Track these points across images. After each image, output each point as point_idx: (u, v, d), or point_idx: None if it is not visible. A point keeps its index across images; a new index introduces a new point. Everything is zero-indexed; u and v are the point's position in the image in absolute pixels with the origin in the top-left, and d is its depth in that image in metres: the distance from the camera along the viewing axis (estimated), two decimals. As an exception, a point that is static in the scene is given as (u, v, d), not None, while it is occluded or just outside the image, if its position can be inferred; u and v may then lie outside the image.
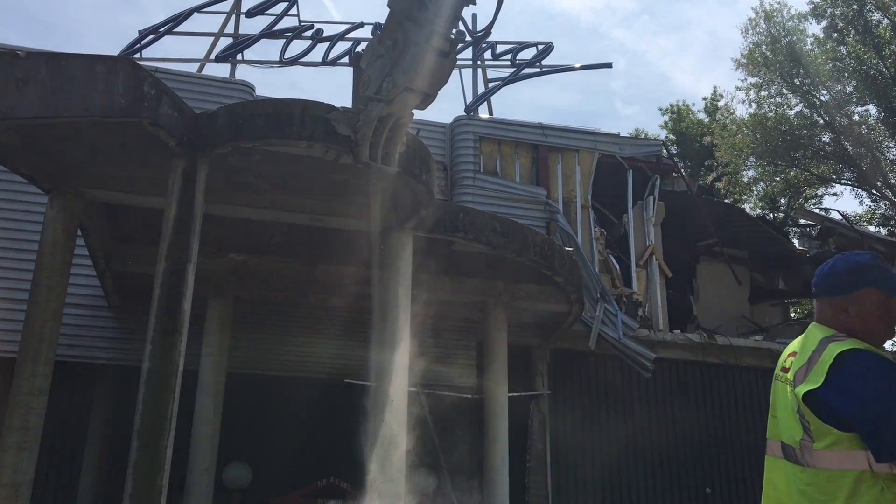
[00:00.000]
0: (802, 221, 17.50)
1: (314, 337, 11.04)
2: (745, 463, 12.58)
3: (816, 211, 16.81)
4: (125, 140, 7.24)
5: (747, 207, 23.80)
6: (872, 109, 22.10)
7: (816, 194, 24.45)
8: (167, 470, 6.16)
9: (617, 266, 13.10)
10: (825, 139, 22.26)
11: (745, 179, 24.74)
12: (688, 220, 14.07)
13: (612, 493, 11.98)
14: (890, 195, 21.84)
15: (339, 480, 10.07)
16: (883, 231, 21.71)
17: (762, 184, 24.51)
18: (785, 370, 2.64)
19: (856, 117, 22.17)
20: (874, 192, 22.39)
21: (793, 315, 17.71)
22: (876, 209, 23.06)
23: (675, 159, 19.29)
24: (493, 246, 9.15)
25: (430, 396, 11.12)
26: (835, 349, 2.43)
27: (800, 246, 15.09)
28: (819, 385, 2.39)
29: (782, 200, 24.50)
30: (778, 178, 23.58)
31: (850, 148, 21.76)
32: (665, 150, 15.02)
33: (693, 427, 12.58)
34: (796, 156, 21.86)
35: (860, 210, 24.37)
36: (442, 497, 10.51)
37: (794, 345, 2.69)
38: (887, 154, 22.36)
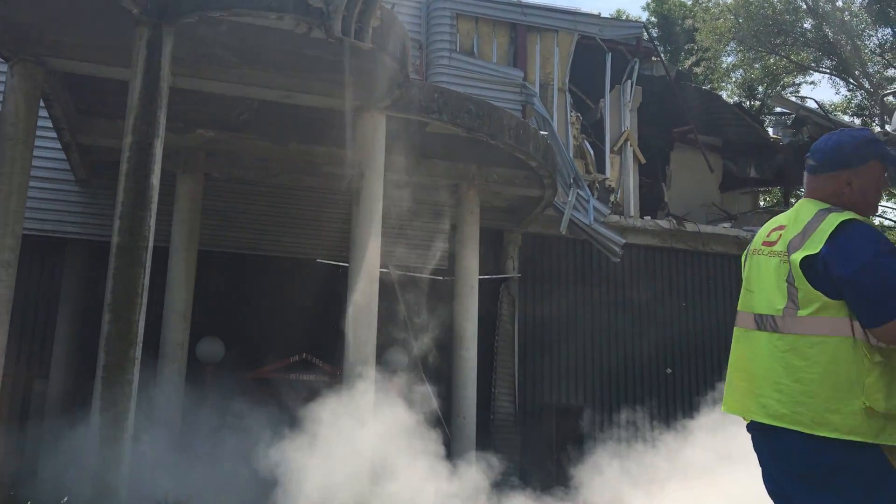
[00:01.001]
0: (778, 110, 17.43)
1: (286, 216, 11.00)
2: (706, 345, 12.99)
3: (793, 99, 16.73)
4: (86, 5, 6.92)
5: (725, 94, 23.62)
6: (857, -4, 21.70)
7: (794, 82, 24.28)
8: (139, 343, 6.23)
9: (591, 151, 13.05)
10: (807, 25, 21.92)
11: (725, 65, 24.45)
12: (664, 105, 13.95)
13: (577, 372, 12.38)
14: (867, 85, 21.76)
15: (311, 356, 10.27)
16: (857, 121, 21.75)
17: (741, 70, 24.25)
18: (769, 244, 2.66)
19: (839, 3, 21.77)
20: (852, 81, 22.28)
21: (762, 203, 17.91)
22: (852, 99, 23.02)
23: (656, 43, 18.93)
24: (468, 128, 9.04)
25: (402, 277, 11.24)
26: (835, 219, 2.47)
27: (774, 134, 15.07)
28: (818, 250, 2.43)
29: (760, 88, 24.30)
30: (757, 65, 23.31)
31: (830, 35, 21.47)
32: (646, 33, 14.72)
33: (658, 311, 12.89)
34: (777, 42, 21.55)
35: (836, 99, 24.39)
36: (412, 374, 10.79)
37: (781, 219, 2.72)
38: (868, 42, 22.13)
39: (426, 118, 8.70)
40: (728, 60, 24.28)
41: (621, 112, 13.31)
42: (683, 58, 24.29)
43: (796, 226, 2.57)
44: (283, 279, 11.04)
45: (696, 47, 23.56)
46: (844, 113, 21.82)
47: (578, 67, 13.21)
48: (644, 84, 13.59)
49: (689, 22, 23.99)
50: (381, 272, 8.61)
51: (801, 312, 2.48)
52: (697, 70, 23.45)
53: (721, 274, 13.35)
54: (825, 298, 2.44)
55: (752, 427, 2.65)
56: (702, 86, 19.41)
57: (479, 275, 10.78)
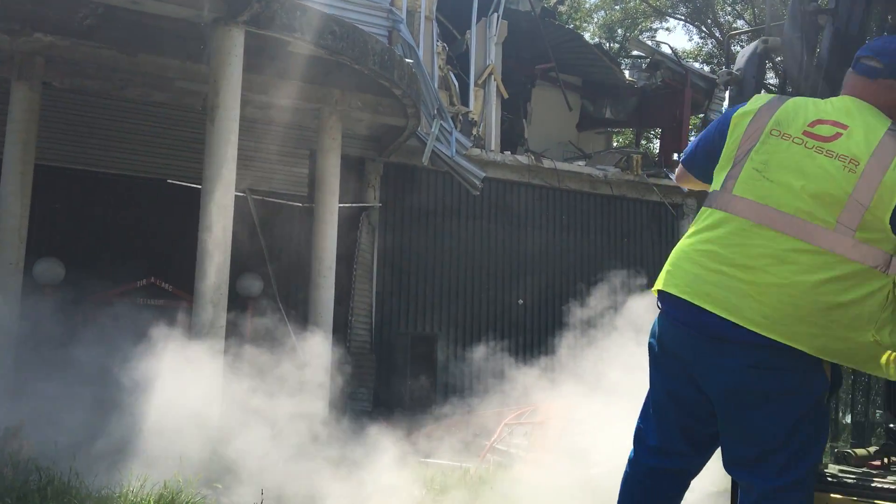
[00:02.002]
0: (635, 53, 18.02)
1: (134, 133, 10.38)
2: (558, 278, 13.49)
3: (649, 43, 17.31)
4: None
5: (587, 35, 24.11)
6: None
7: (651, 27, 25.13)
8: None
9: (456, 83, 13.02)
10: (666, -28, 22.60)
11: (588, 6, 24.94)
12: (529, 41, 14.07)
13: (432, 300, 12.57)
14: (717, 34, 22.81)
15: (160, 281, 9.86)
16: (706, 68, 22.83)
17: (603, 11, 24.83)
18: (821, 138, 2.36)
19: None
20: (704, 29, 23.30)
21: (615, 144, 18.59)
22: (703, 46, 24.12)
23: (522, -22, 18.97)
24: (332, 50, 8.78)
25: (258, 202, 10.93)
26: None
27: (630, 77, 15.58)
28: None
29: (619, 31, 25.01)
30: (618, 7, 23.93)
31: (687, -17, 22.27)
32: (513, -33, 14.71)
33: (513, 243, 13.23)
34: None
35: (689, 46, 25.44)
36: (267, 301, 10.61)
37: (828, 111, 2.42)
38: (721, -7, 23.13)
39: (288, 37, 8.35)
40: (591, 1, 24.79)
41: (487, 45, 13.32)
42: (549, -5, 24.56)
43: (868, 135, 2.31)
44: (132, 199, 10.47)
45: (561, -15, 23.86)
46: (696, 59, 22.85)
47: (446, -4, 13.08)
48: (510, 18, 13.63)
49: (555, -40, 24.15)
50: (236, 196, 8.33)
51: (859, 235, 2.27)
52: (562, 8, 23.76)
53: (575, 210, 13.81)
54: (890, 233, 2.27)
55: (689, 316, 2.45)
56: (565, 24, 19.71)
57: (340, 203, 10.64)
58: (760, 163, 2.40)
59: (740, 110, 2.53)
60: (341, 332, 10.98)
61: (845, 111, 2.41)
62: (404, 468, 7.35)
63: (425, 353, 12.46)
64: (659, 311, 2.62)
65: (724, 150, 2.50)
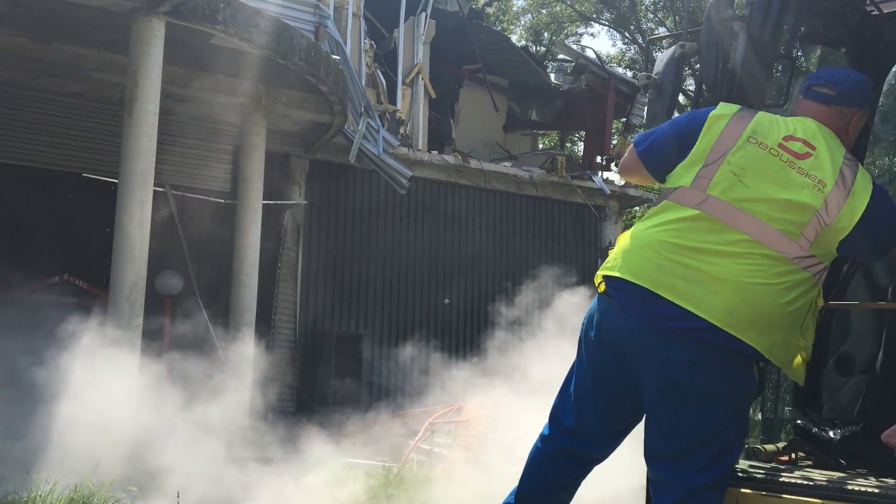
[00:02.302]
0: (561, 56, 18.25)
1: (48, 124, 9.98)
2: (483, 278, 13.57)
3: (574, 48, 17.59)
4: None
5: (514, 37, 24.34)
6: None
7: (577, 32, 25.56)
8: None
9: (383, 81, 12.96)
10: (591, -22, 22.98)
11: (515, 8, 25.19)
12: (457, 42, 14.11)
13: (358, 299, 12.49)
14: (640, 40, 23.34)
15: (74, 278, 9.52)
16: (629, 73, 23.32)
17: (530, 15, 25.11)
18: (795, 155, 2.48)
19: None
20: (627, 35, 23.81)
21: (541, 145, 18.81)
22: (626, 52, 24.65)
23: (451, -21, 19.02)
24: (257, 45, 8.63)
25: (179, 198, 10.65)
26: (868, 182, 2.46)
27: (555, 80, 15.78)
28: (853, 225, 2.41)
29: (546, 34, 25.33)
30: (544, 11, 24.24)
31: (612, -10, 22.70)
32: (441, -33, 14.73)
33: (440, 243, 13.25)
34: (563, -9, 22.44)
35: (613, 52, 25.96)
36: (188, 299, 10.36)
37: (797, 130, 2.54)
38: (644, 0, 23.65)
39: (210, 29, 8.17)
40: (518, 4, 25.05)
41: (415, 44, 13.30)
42: (477, -4, 24.71)
43: (832, 160, 2.46)
44: (45, 193, 10.06)
45: (489, -13, 24.03)
46: (619, 65, 23.33)
47: (374, -6, 13.01)
48: (438, 18, 13.64)
49: (483, -39, 24.32)
50: (155, 191, 8.11)
51: (813, 249, 2.43)
52: (490, 10, 23.94)
53: (501, 210, 13.92)
54: (833, 253, 2.49)
55: (642, 304, 2.47)
56: (493, 26, 19.85)
57: (264, 200, 10.47)
58: (738, 167, 2.47)
59: (715, 112, 2.60)
60: (264, 331, 10.79)
61: (812, 133, 2.53)
62: (326, 469, 7.27)
63: (351, 353, 12.36)
64: (604, 296, 2.61)
65: (695, 147, 2.55)
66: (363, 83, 12.27)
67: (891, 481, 2.66)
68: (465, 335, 13.32)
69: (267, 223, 10.53)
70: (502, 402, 10.42)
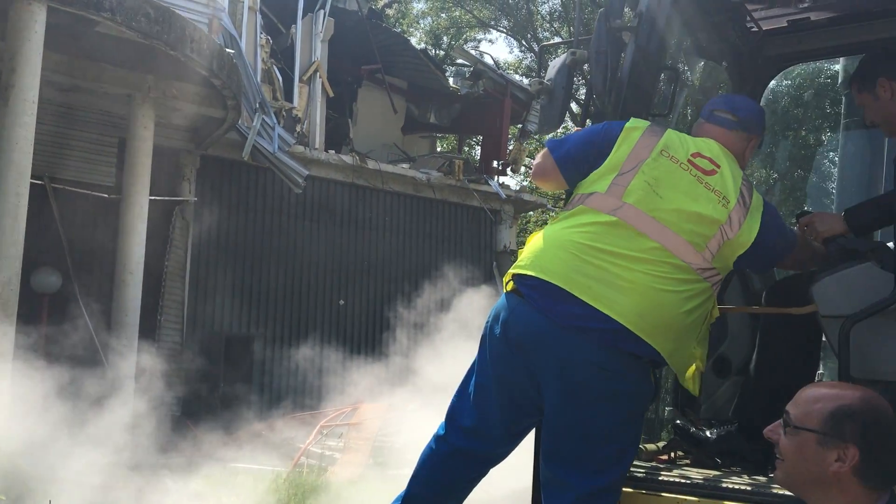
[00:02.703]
0: (459, 61, 18.41)
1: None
2: (379, 279, 13.52)
3: (473, 53, 17.76)
4: None
5: (413, 40, 24.38)
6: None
7: (476, 37, 25.82)
8: None
9: (280, 78, 12.72)
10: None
11: (415, 11, 25.24)
12: (356, 42, 14.01)
13: (250, 300, 12.20)
14: (536, 48, 23.80)
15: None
16: (526, 81, 23.76)
17: (430, 18, 25.21)
18: (703, 171, 2.61)
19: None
20: (524, 43, 24.23)
21: (439, 148, 18.90)
22: (523, 60, 25.08)
23: (351, -22, 18.89)
24: (146, 34, 8.31)
25: (60, 191, 10.14)
26: (761, 204, 2.65)
27: (454, 84, 15.88)
28: (752, 241, 2.59)
29: (445, 38, 25.49)
30: (444, 16, 24.39)
31: (510, -3, 23.05)
32: (341, -34, 14.60)
33: (336, 244, 13.12)
34: (463, -5, 22.60)
35: (510, 59, 26.40)
36: (67, 297, 9.87)
37: (702, 148, 2.68)
38: (541, 9, 24.13)
39: (95, 16, 7.82)
40: (418, 7, 25.12)
41: (312, 42, 13.12)
42: (377, -3, 24.63)
43: (734, 179, 2.61)
44: None
45: (388, -12, 23.99)
46: (516, 72, 23.71)
47: (271, -12, 12.76)
48: (337, 17, 13.51)
49: (385, -38, 24.26)
50: (32, 183, 7.69)
51: (714, 262, 2.56)
52: (390, 12, 23.92)
53: (398, 212, 13.90)
54: (730, 266, 2.66)
55: (555, 303, 2.49)
56: (393, 27, 19.83)
57: (151, 195, 10.09)
58: (653, 178, 2.57)
59: (630, 124, 2.70)
60: (149, 332, 10.41)
61: (715, 153, 2.67)
62: (212, 475, 7.08)
63: (241, 355, 12.08)
64: (512, 294, 2.61)
65: (610, 156, 2.63)
66: (258, 79, 12.01)
67: (762, 479, 2.78)
68: (361, 337, 13.24)
69: (154, 220, 10.15)
70: (396, 404, 10.40)
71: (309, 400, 12.39)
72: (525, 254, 2.65)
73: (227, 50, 9.95)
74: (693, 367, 2.60)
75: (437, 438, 2.80)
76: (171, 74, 9.55)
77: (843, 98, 5.66)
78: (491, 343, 2.65)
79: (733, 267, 2.69)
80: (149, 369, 9.24)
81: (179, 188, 11.40)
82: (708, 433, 3.05)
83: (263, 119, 11.64)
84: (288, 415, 11.19)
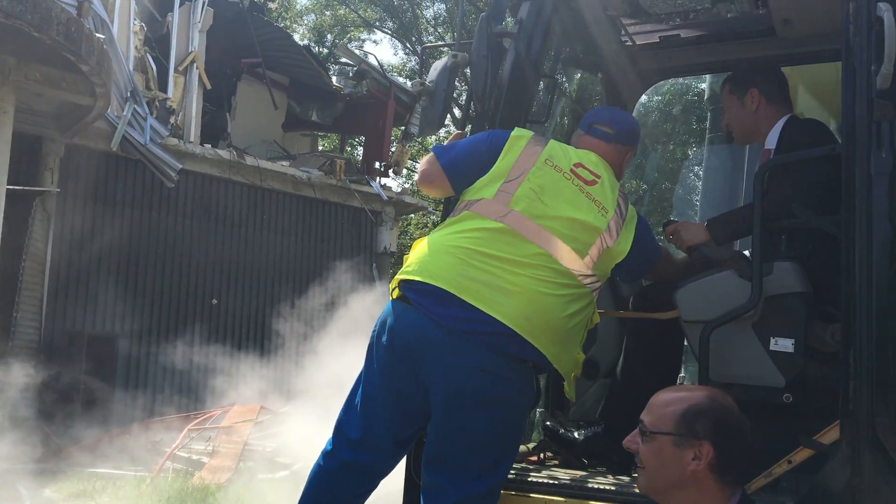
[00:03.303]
0: (343, 60, 18.25)
1: None
2: (254, 278, 13.21)
3: (357, 53, 17.64)
4: None
5: (296, 36, 24.01)
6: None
7: (360, 37, 25.67)
8: None
9: (154, 67, 12.23)
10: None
11: (299, 7, 24.85)
12: (236, 34, 13.65)
13: (115, 298, 11.64)
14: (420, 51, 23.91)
15: None
16: (409, 83, 23.83)
17: (314, 15, 24.88)
18: (585, 181, 2.70)
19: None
20: (409, 46, 24.30)
21: (321, 147, 18.66)
22: (407, 62, 25.15)
23: (233, -32, 18.40)
24: (7, 14, 7.81)
25: None
26: (635, 216, 2.78)
27: (337, 83, 15.73)
28: (629, 247, 2.71)
29: (329, 36, 25.22)
30: (329, 13, 24.13)
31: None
32: (222, -44, 14.18)
33: (210, 241, 12.72)
34: (349, -6, 22.45)
35: (395, 61, 26.40)
36: None
37: (584, 159, 2.77)
38: (426, 13, 24.27)
39: (-50, -10, 7.27)
40: (302, 2, 24.74)
41: (190, 31, 12.69)
42: (260, -10, 24.06)
43: (612, 190, 2.72)
44: None
45: (272, -18, 23.49)
46: (400, 74, 23.74)
47: (148, -27, 12.25)
48: (216, 7, 13.11)
49: (268, -44, 23.74)
50: None
51: (595, 268, 2.64)
52: (272, 5, 23.40)
53: (277, 210, 13.63)
54: (608, 274, 2.76)
55: (443, 308, 2.50)
56: (275, 22, 19.45)
57: (9, 185, 9.47)
58: (538, 186, 2.64)
59: (515, 133, 2.77)
60: (3, 330, 9.77)
61: (594, 164, 2.77)
62: (69, 481, 6.72)
63: (104, 355, 11.51)
64: (399, 301, 2.61)
65: (496, 164, 2.69)
66: (131, 66, 11.50)
67: (626, 479, 2.87)
68: (235, 338, 12.87)
69: (11, 211, 9.53)
70: (269, 407, 10.19)
71: (177, 402, 11.95)
72: (411, 260, 2.65)
73: (98, 35, 9.48)
74: (574, 373, 2.70)
75: (324, 455, 2.76)
76: (34, 57, 9.01)
77: (709, 114, 5.98)
78: (377, 352, 2.64)
79: (610, 275, 2.80)
80: (2, 370, 8.67)
81: (40, 178, 10.76)
82: (576, 434, 3.12)
83: (135, 109, 11.17)
84: (154, 418, 10.75)
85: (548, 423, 3.20)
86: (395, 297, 2.66)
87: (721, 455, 1.97)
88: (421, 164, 2.89)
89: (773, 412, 2.85)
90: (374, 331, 2.68)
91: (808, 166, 2.89)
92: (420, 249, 2.67)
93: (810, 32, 3.44)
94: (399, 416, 2.65)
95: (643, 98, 4.01)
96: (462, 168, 2.76)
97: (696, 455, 1.97)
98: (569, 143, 2.95)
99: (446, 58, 2.92)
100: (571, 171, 2.70)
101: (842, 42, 2.53)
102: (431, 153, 2.84)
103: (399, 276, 2.65)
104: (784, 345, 2.83)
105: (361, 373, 2.75)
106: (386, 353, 2.61)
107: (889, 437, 2.32)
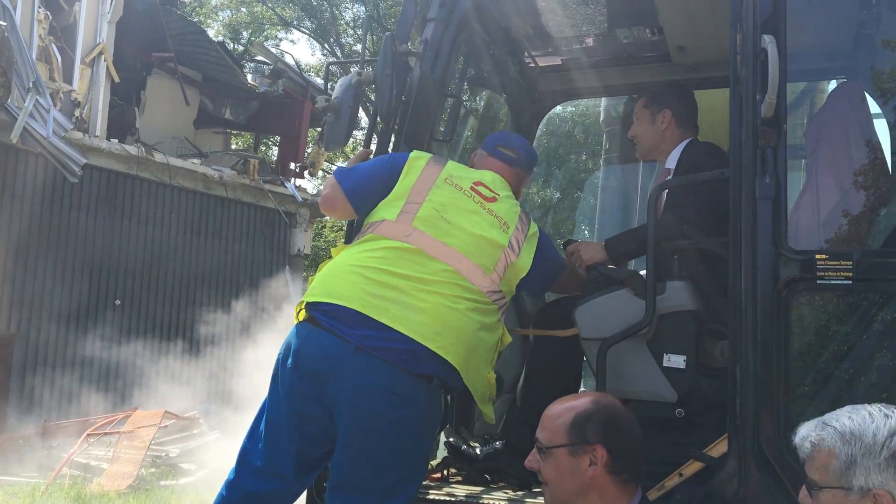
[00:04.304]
0: (259, 58, 17.95)
1: None
2: (161, 278, 12.85)
3: (274, 51, 17.37)
4: None
5: (211, 32, 23.48)
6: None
7: (277, 36, 25.29)
8: None
9: (59, 57, 11.77)
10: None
11: (214, 3, 24.29)
12: (147, 27, 13.25)
13: (11, 297, 11.13)
14: (339, 53, 23.73)
15: None
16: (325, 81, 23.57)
17: (229, 11, 24.38)
18: (484, 197, 2.75)
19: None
20: (327, 46, 24.07)
21: (234, 146, 18.31)
22: (325, 63, 24.87)
23: (146, -42, 17.87)
24: None
25: None
26: (536, 232, 2.84)
27: (252, 81, 15.45)
28: (531, 262, 2.76)
29: (245, 34, 24.76)
30: (245, 10, 23.69)
31: (314, -1, 22.83)
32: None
33: (115, 239, 12.32)
34: (267, -9, 22.11)
35: (312, 61, 26.09)
36: None
37: (485, 178, 2.83)
38: (345, 14, 24.10)
39: None
40: (217, -1, 24.20)
41: (98, 22, 12.26)
42: (173, -17, 23.43)
43: (513, 207, 2.80)
44: None
45: (187, -26, 22.92)
46: (317, 75, 23.46)
47: (54, -40, 11.78)
48: (127, -2, 12.72)
49: (183, -52, 23.16)
50: None
51: (502, 285, 2.68)
52: (186, -1, 22.86)
53: (186, 208, 13.29)
54: (514, 287, 2.78)
55: (350, 327, 2.50)
56: (189, 16, 18.97)
57: None
58: (440, 204, 2.68)
59: (413, 155, 2.81)
60: None
61: (493, 182, 2.83)
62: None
63: (2, 356, 11.02)
64: (304, 324, 2.58)
65: (397, 185, 2.72)
66: (34, 56, 11.04)
67: (521, 492, 2.92)
68: (139, 339, 12.46)
69: None
70: (171, 412, 9.93)
71: (76, 406, 11.52)
72: (316, 283, 2.64)
73: (-2, 22, 9.07)
74: (487, 391, 2.70)
75: (227, 485, 2.69)
76: (-75, 43, 8.55)
77: (605, 135, 6.15)
78: (283, 377, 2.60)
79: (515, 291, 2.83)
80: None
81: (-69, 170, 10.22)
82: (478, 451, 3.15)
83: (37, 99, 10.71)
84: (50, 422, 10.34)
85: (451, 439, 3.22)
86: (300, 319, 2.63)
87: (615, 455, 2.04)
88: (324, 188, 2.90)
89: (667, 426, 2.94)
90: (278, 357, 2.64)
91: (700, 189, 3.01)
92: (325, 272, 2.67)
93: (704, 59, 3.58)
94: (304, 441, 2.60)
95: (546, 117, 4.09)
96: (364, 192, 2.78)
97: (591, 460, 2.03)
98: (469, 162, 3.01)
99: (351, 74, 2.92)
100: (472, 188, 2.75)
101: (730, 71, 2.64)
102: (333, 177, 2.84)
103: (305, 299, 2.63)
104: (676, 361, 2.93)
105: (265, 401, 2.71)
106: (291, 377, 2.57)
107: (773, 449, 2.42)
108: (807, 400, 2.57)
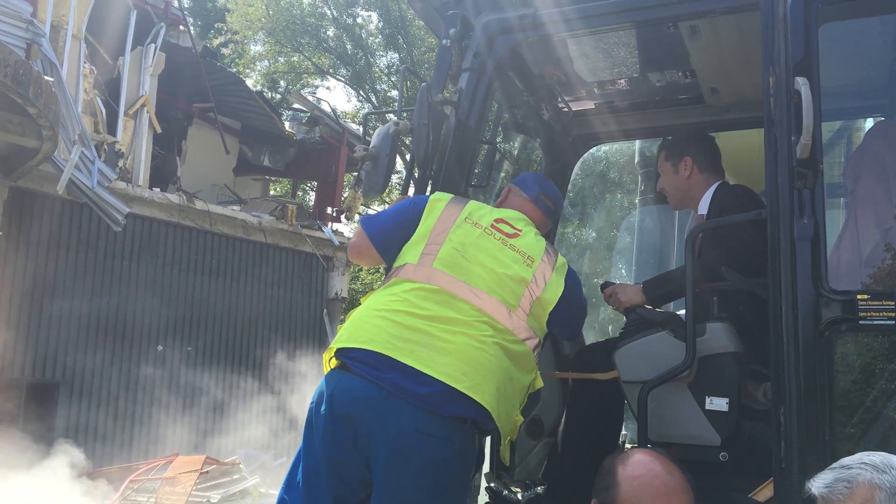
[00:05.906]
0: (296, 106, 18.31)
1: None
2: (203, 324, 13.01)
3: (310, 99, 17.72)
4: None
5: (249, 82, 24.04)
6: (374, 17, 23.92)
7: (313, 84, 25.79)
8: None
9: (103, 110, 12.12)
10: (329, 33, 23.44)
11: (252, 53, 24.91)
12: (188, 79, 13.62)
13: (57, 344, 11.34)
14: (374, 100, 24.11)
15: None
16: (361, 129, 23.90)
17: (267, 61, 24.96)
18: (506, 234, 2.75)
19: (359, 20, 23.78)
20: (362, 93, 24.48)
21: (272, 192, 18.60)
22: (361, 109, 25.30)
23: (185, 13, 18.42)
24: (-48, 56, 7.71)
25: None
26: (564, 267, 2.80)
27: (289, 128, 15.76)
28: (561, 291, 2.73)
29: (282, 82, 25.29)
30: (282, 60, 24.24)
31: (349, 47, 23.29)
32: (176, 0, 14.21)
33: (158, 286, 12.52)
34: (302, 41, 22.64)
35: (348, 108, 26.53)
36: None
37: (508, 215, 2.85)
38: (379, 62, 24.52)
39: None
40: (256, 49, 24.81)
41: (141, 75, 12.63)
42: (213, 35, 24.09)
43: (537, 241, 2.79)
44: None
45: (225, 28, 23.56)
46: (353, 121, 23.86)
47: (99, 19, 12.19)
48: (169, 52, 13.10)
49: (221, 1, 23.86)
50: None
51: (530, 321, 2.65)
52: (225, 51, 23.46)
53: (226, 255, 13.49)
54: (545, 324, 2.74)
55: (380, 371, 2.50)
56: (228, 67, 19.46)
57: (-52, 228, 9.26)
58: (459, 244, 2.69)
59: (434, 196, 2.84)
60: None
61: (516, 220, 2.84)
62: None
63: (44, 403, 11.17)
64: (336, 371, 2.60)
65: (419, 228, 2.75)
66: (79, 109, 11.38)
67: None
68: (182, 385, 12.60)
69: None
70: (213, 457, 9.98)
71: (119, 452, 11.63)
72: (344, 329, 2.66)
73: (46, 77, 9.38)
74: (511, 434, 2.68)
75: None
76: (-21, 99, 8.87)
77: (640, 176, 6.15)
78: (317, 424, 2.61)
79: (547, 328, 2.79)
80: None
81: (-17, 221, 10.53)
82: (519, 496, 3.13)
83: (83, 152, 11.00)
84: (94, 469, 10.43)
85: (491, 484, 3.20)
86: (332, 367, 2.64)
87: None
88: (353, 237, 2.94)
89: (711, 470, 2.89)
90: (311, 405, 2.65)
91: (736, 230, 2.99)
92: (353, 319, 2.69)
93: (736, 101, 3.58)
94: (342, 486, 2.59)
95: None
96: (388, 237, 2.82)
97: None
98: (501, 196, 3.07)
99: (389, 124, 2.98)
100: (492, 226, 2.77)
101: (763, 113, 2.64)
102: (359, 225, 2.89)
103: (334, 346, 2.64)
104: (718, 404, 2.89)
105: (300, 449, 2.71)
106: (325, 423, 2.57)
107: (820, 492, 2.37)
108: (853, 441, 2.52)
